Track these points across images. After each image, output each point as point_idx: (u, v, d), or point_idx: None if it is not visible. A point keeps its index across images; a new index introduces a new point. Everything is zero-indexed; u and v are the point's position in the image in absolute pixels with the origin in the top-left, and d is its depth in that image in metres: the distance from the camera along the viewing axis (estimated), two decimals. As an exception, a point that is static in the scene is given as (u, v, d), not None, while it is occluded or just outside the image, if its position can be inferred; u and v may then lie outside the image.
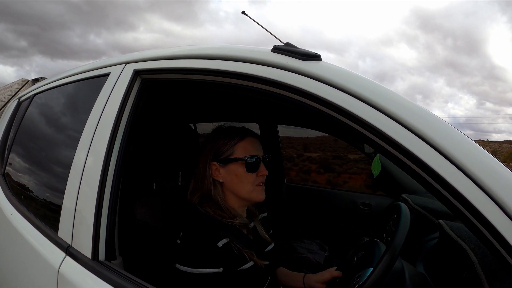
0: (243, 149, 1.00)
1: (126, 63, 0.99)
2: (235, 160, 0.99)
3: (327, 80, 0.68)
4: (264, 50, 0.79)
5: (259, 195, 1.01)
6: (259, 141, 1.06)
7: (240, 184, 1.00)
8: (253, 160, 0.99)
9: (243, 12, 0.82)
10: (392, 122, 0.62)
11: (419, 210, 1.35)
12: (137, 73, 0.94)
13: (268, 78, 0.73)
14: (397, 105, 0.63)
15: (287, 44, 0.77)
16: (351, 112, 0.64)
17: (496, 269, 0.80)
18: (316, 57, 0.72)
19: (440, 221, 1.05)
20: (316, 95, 0.68)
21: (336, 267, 1.14)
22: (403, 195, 1.54)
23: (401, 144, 0.60)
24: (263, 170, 1.01)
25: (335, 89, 0.67)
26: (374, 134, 0.63)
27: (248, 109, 1.96)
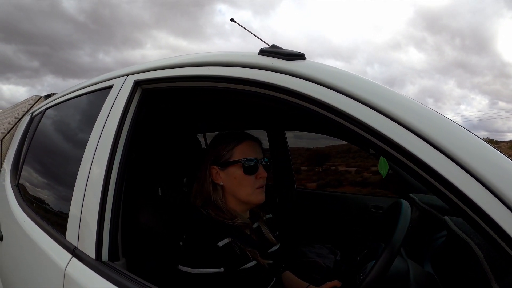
0: (241, 152, 1.02)
1: (127, 75, 1.04)
2: (234, 163, 1.01)
3: (310, 77, 0.69)
4: (253, 54, 0.82)
5: (258, 197, 1.02)
6: (259, 144, 1.07)
7: (240, 187, 1.01)
8: (252, 163, 1.00)
9: (231, 19, 0.86)
10: (380, 115, 0.61)
11: (426, 208, 1.31)
12: (137, 83, 0.98)
13: (256, 80, 0.75)
14: (383, 98, 0.63)
15: (273, 46, 0.80)
16: (335, 107, 0.65)
17: (502, 264, 0.77)
18: (300, 56, 0.75)
19: (446, 217, 1.02)
20: (301, 92, 0.69)
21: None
22: (411, 194, 1.51)
23: (391, 139, 0.59)
24: (262, 173, 1.02)
25: (318, 85, 0.68)
26: (361, 129, 0.63)
27: (255, 116, 1.98)
